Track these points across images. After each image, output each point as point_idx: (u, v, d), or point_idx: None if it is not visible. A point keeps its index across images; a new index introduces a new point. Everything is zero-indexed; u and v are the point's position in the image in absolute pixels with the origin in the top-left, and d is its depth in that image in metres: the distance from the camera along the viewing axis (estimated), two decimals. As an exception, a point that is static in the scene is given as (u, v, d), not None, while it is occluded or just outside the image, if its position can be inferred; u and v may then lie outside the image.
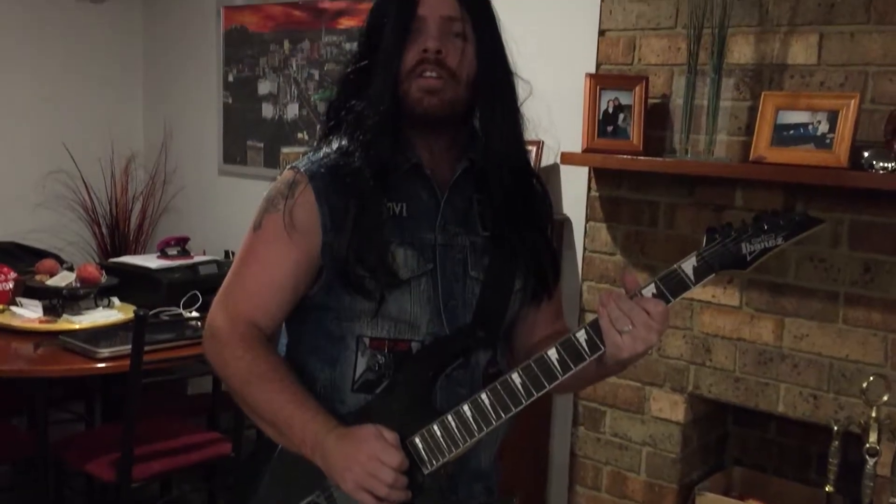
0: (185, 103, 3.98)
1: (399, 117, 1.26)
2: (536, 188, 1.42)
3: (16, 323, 2.90)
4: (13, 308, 2.99)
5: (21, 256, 3.43)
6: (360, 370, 1.27)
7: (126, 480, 2.59)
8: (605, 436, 2.77)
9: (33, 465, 3.22)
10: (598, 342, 1.16)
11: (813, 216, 1.15)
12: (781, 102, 2.25)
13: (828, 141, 2.16)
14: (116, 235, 3.83)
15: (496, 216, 1.32)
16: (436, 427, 1.21)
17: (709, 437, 2.74)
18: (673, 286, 1.16)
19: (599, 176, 2.68)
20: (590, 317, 2.73)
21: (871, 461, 2.05)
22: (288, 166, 1.32)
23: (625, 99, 2.52)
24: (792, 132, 2.22)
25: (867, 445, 2.05)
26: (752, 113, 2.36)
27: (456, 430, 1.20)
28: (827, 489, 2.21)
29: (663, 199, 2.58)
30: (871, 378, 2.13)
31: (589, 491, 2.81)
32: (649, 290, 1.15)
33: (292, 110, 3.59)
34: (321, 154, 1.31)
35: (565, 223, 2.82)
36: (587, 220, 2.74)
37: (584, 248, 2.76)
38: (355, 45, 1.36)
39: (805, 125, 2.20)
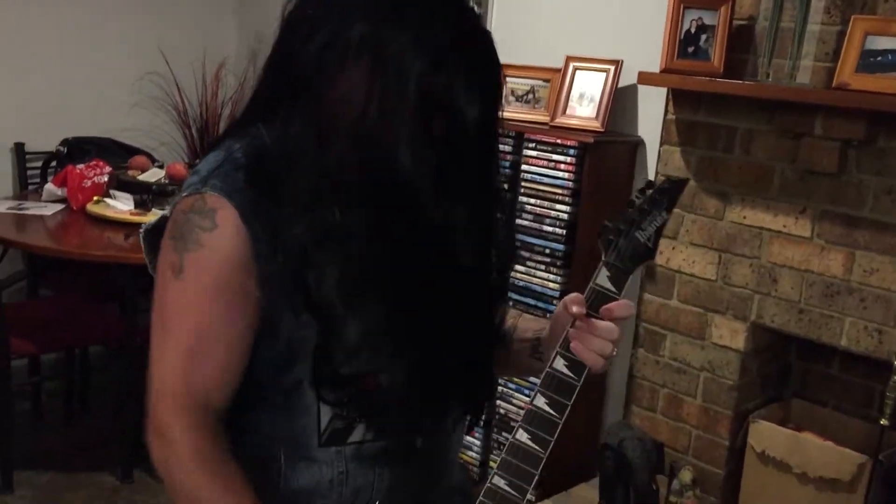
0: (276, 12, 4.04)
1: None
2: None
3: (109, 213, 3.09)
4: (107, 200, 3.18)
5: (116, 152, 3.61)
6: (325, 420, 1.04)
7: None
8: (664, 359, 2.80)
9: (124, 348, 3.46)
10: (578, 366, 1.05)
11: (675, 178, 1.11)
12: (871, 27, 2.17)
13: (917, 69, 2.08)
14: (206, 138, 3.98)
15: None
16: None
17: (770, 368, 2.74)
18: (600, 304, 1.06)
19: (677, 98, 2.64)
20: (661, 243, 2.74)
21: (928, 397, 2.03)
22: (185, 192, 1.01)
23: (709, 19, 2.46)
24: (879, 59, 2.14)
25: (926, 381, 2.02)
26: (841, 38, 2.28)
27: None
28: (882, 422, 2.20)
29: (742, 124, 2.53)
30: (938, 315, 2.09)
31: (644, 412, 2.86)
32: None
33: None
34: (230, 159, 1.02)
35: (639, 146, 2.80)
36: (662, 144, 2.71)
37: (657, 172, 2.74)
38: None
39: (894, 52, 2.12)
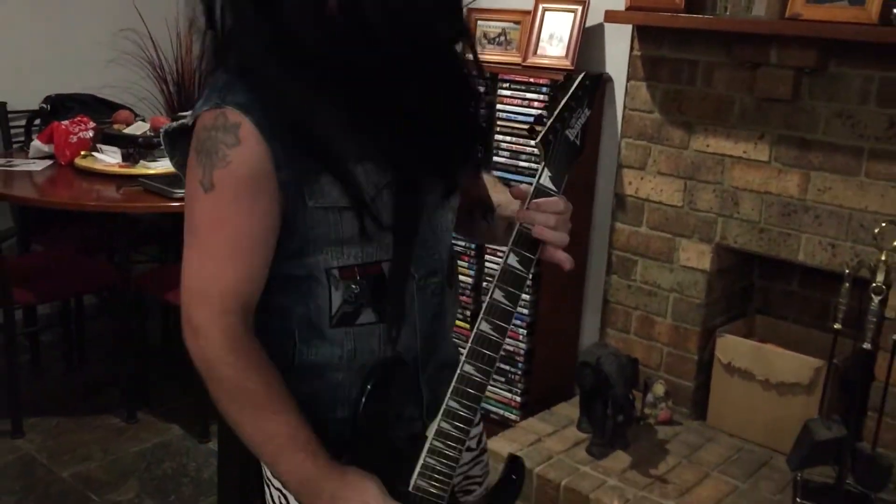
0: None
1: None
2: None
3: (98, 167, 3.17)
4: (94, 154, 3.26)
5: (98, 108, 3.68)
6: (335, 304, 1.16)
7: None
8: (635, 283, 2.98)
9: (113, 297, 3.58)
10: (529, 255, 1.17)
11: (593, 74, 1.19)
12: (820, -40, 2.32)
13: (862, -2, 2.25)
14: (182, 93, 4.05)
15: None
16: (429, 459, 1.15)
17: (734, 287, 2.94)
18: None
19: (642, 35, 2.79)
20: (626, 173, 2.90)
21: (875, 299, 2.22)
22: (204, 107, 1.09)
23: (670, -43, 2.60)
24: (828, -11, 2.30)
25: (873, 285, 2.22)
26: (793, -29, 2.44)
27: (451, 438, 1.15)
28: (835, 327, 2.40)
29: (702, 57, 2.69)
30: (884, 224, 2.28)
31: (619, 333, 3.05)
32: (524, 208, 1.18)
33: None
34: (237, 80, 1.09)
35: (607, 82, 2.95)
36: (628, 79, 2.87)
37: (625, 107, 2.90)
38: None
39: (841, -18, 2.28)
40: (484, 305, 1.16)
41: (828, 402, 2.51)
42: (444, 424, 1.14)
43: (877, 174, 2.42)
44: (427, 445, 1.15)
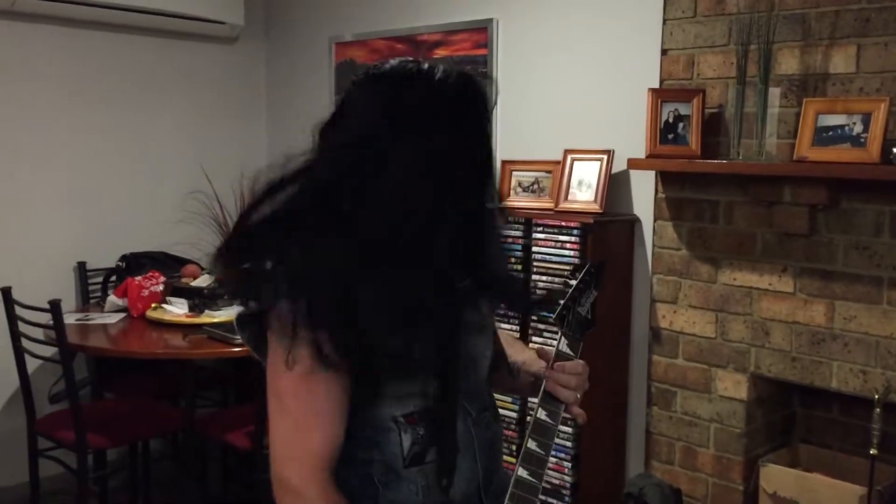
0: (302, 130, 4.48)
1: None
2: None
3: (166, 317, 3.44)
4: (164, 305, 3.53)
5: (168, 264, 4.00)
6: (406, 447, 1.31)
7: (259, 447, 3.06)
8: (676, 414, 3.06)
9: (175, 440, 3.76)
10: (556, 410, 1.38)
11: (597, 262, 1.45)
12: (821, 107, 2.52)
13: (862, 140, 2.43)
14: (245, 247, 4.36)
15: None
16: None
17: (774, 416, 2.99)
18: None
19: (665, 179, 3.00)
20: (660, 307, 3.04)
21: (905, 423, 2.28)
22: (286, 296, 1.23)
23: (684, 109, 2.84)
24: (831, 133, 2.49)
25: (902, 409, 2.28)
26: (798, 118, 2.63)
27: None
28: (871, 452, 2.44)
29: (722, 198, 2.87)
30: (907, 350, 2.36)
31: (663, 465, 3.10)
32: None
33: (395, 132, 4.02)
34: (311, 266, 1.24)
35: (636, 223, 3.14)
36: (655, 220, 3.05)
37: (654, 245, 3.07)
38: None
39: (842, 126, 2.47)
40: (521, 453, 1.34)
41: (874, 529, 2.51)
42: None
43: (898, 301, 2.53)
44: None
